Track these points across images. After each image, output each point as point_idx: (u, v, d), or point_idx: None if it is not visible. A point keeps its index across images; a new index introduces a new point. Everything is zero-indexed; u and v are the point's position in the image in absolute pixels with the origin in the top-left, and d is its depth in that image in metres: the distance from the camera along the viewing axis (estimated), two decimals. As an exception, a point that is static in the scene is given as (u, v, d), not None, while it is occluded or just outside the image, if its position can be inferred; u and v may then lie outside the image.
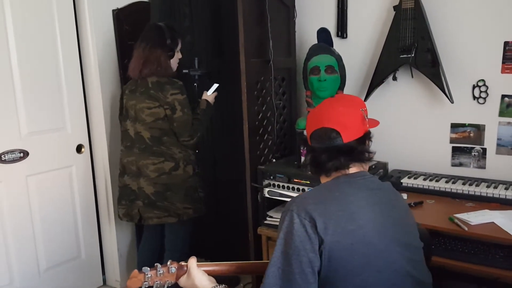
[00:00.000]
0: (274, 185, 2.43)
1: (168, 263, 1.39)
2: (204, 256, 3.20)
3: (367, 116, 1.40)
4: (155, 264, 1.39)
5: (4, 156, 2.48)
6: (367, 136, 1.39)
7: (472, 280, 1.85)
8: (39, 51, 2.59)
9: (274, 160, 2.62)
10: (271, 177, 2.44)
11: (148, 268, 1.36)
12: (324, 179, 1.40)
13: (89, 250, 2.97)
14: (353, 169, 1.37)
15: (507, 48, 2.21)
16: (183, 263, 1.42)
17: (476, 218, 1.90)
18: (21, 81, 2.52)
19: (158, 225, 2.62)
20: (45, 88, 2.64)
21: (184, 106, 2.46)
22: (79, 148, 2.86)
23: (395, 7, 2.36)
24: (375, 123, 1.47)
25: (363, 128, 1.38)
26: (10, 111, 2.49)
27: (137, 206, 2.54)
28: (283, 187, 2.40)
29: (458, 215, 1.94)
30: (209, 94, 2.66)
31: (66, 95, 2.75)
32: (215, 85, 2.68)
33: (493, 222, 1.86)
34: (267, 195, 2.47)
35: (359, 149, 1.35)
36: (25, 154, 2.58)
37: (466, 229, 1.82)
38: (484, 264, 1.73)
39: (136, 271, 1.37)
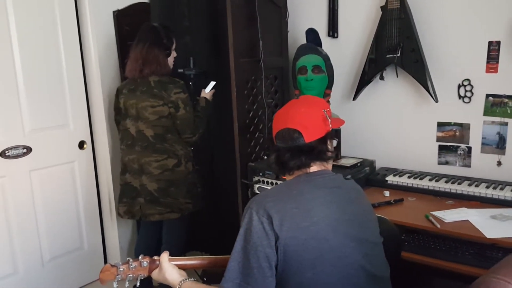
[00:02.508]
0: (263, 182, 2.51)
1: (140, 257, 1.47)
2: (200, 249, 3.31)
3: (329, 116, 1.45)
4: (127, 258, 1.48)
5: (8, 152, 2.61)
6: (329, 136, 1.44)
7: (458, 278, 1.90)
8: (42, 50, 2.72)
9: (265, 157, 2.69)
10: (260, 174, 2.51)
11: (120, 262, 1.44)
12: (287, 178, 1.47)
13: (91, 241, 3.11)
14: (314, 168, 1.43)
15: (491, 47, 2.23)
16: (155, 257, 1.51)
17: (452, 216, 1.93)
18: (24, 79, 2.65)
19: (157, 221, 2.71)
20: (48, 86, 2.77)
21: (186, 104, 2.54)
22: (81, 144, 2.98)
23: (382, 7, 2.40)
24: (339, 122, 1.53)
25: (325, 128, 1.43)
26: (13, 109, 2.62)
27: (139, 203, 2.61)
28: (272, 183, 2.47)
29: (434, 213, 1.98)
30: (207, 91, 2.75)
31: (68, 93, 2.87)
32: (212, 83, 2.76)
33: (467, 220, 1.90)
34: (257, 191, 2.54)
35: (319, 149, 1.41)
36: (28, 150, 2.71)
37: (438, 226, 1.86)
38: (454, 261, 1.77)
39: (108, 264, 1.45)
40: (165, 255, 1.50)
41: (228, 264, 1.32)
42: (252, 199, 1.38)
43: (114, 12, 2.97)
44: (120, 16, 3.00)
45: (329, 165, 1.48)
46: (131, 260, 1.46)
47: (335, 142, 1.51)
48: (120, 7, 3.00)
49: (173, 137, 2.56)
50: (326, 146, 1.43)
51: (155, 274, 1.50)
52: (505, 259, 1.01)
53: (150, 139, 2.55)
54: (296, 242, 1.28)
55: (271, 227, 1.28)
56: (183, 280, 1.44)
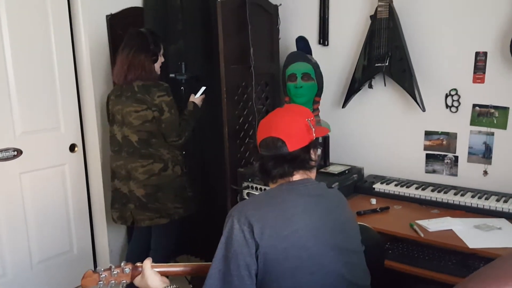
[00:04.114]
0: (252, 187, 2.52)
1: (122, 264, 1.48)
2: (190, 253, 3.32)
3: (313, 125, 1.47)
4: (110, 265, 1.48)
5: (-2, 154, 2.62)
6: (312, 145, 1.46)
7: (441, 286, 1.91)
8: (34, 53, 2.72)
9: (254, 163, 2.69)
10: (250, 180, 2.53)
11: (102, 269, 1.45)
12: (271, 186, 1.48)
13: (81, 245, 3.10)
14: (297, 177, 1.44)
15: (478, 58, 2.25)
16: (138, 263, 1.51)
17: (436, 225, 1.95)
18: (16, 82, 2.65)
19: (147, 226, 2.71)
20: (39, 89, 2.77)
21: (171, 107, 2.53)
22: (72, 147, 2.98)
23: (371, 17, 2.42)
24: (323, 131, 1.54)
25: (309, 137, 1.44)
26: (4, 111, 2.62)
27: (129, 209, 2.62)
28: (261, 189, 2.48)
29: (419, 222, 2.00)
30: (197, 97, 2.75)
31: (60, 96, 2.87)
32: (203, 88, 2.77)
33: (451, 230, 1.92)
34: (246, 197, 2.56)
35: (302, 157, 1.42)
36: (19, 152, 2.71)
37: (422, 235, 1.87)
38: (437, 270, 1.79)
39: (90, 271, 1.45)
40: (147, 262, 1.50)
41: (209, 271, 1.33)
42: (233, 207, 1.39)
43: (107, 16, 2.99)
44: (113, 20, 3.01)
45: (312, 174, 1.49)
46: (113, 266, 1.47)
47: (319, 151, 1.52)
48: (113, 11, 3.01)
49: (158, 142, 2.56)
50: (309, 155, 1.44)
51: (137, 281, 1.50)
52: (482, 268, 1.02)
53: (135, 144, 2.55)
54: (276, 251, 1.29)
55: (252, 236, 1.29)
56: (165, 287, 1.45)
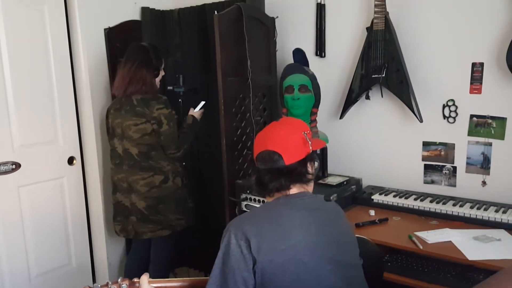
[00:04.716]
0: (250, 199, 2.51)
1: (119, 280, 1.47)
2: (192, 266, 3.31)
3: (310, 138, 1.47)
4: (107, 281, 1.48)
5: (-4, 168, 2.62)
6: (308, 158, 1.46)
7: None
8: (33, 66, 2.73)
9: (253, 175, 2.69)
10: (248, 191, 2.52)
11: (99, 285, 1.44)
12: (268, 199, 1.48)
13: (79, 258, 3.09)
14: (293, 190, 1.44)
15: (474, 69, 2.26)
16: (135, 279, 1.50)
17: (435, 236, 1.94)
18: (14, 95, 2.65)
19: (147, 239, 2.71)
20: (38, 102, 2.78)
21: (170, 120, 2.55)
22: (70, 160, 2.98)
23: (367, 29, 2.43)
24: (319, 144, 1.54)
25: (305, 151, 1.45)
26: (3, 125, 2.63)
27: (131, 222, 2.63)
28: (259, 200, 2.48)
29: (418, 233, 1.99)
30: (196, 111, 2.77)
31: (58, 108, 2.88)
32: (202, 102, 2.79)
33: (450, 241, 1.91)
34: (244, 209, 2.55)
35: (298, 171, 1.42)
36: (17, 166, 2.71)
37: (421, 247, 1.86)
38: (436, 282, 1.78)
39: (87, 286, 1.45)
40: (144, 278, 1.49)
41: (207, 286, 1.33)
42: (230, 221, 1.39)
43: (105, 29, 3.00)
44: (112, 34, 3.03)
45: (309, 187, 1.49)
46: (110, 282, 1.46)
47: (316, 164, 1.52)
48: (112, 24, 3.03)
49: (158, 154, 2.57)
50: (306, 168, 1.45)
51: None
52: (484, 281, 1.01)
53: (135, 157, 2.57)
54: (274, 266, 1.29)
55: (249, 251, 1.29)
56: (162, 302, 1.44)
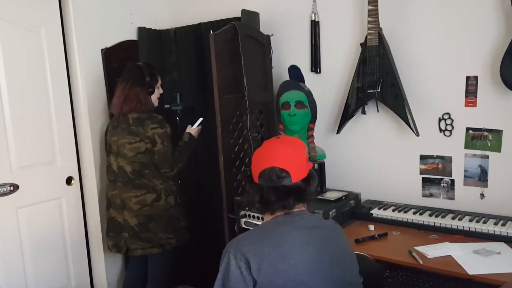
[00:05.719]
0: (249, 216, 2.51)
1: None
2: (193, 284, 3.29)
3: (308, 158, 1.48)
4: None
5: (-6, 190, 2.61)
6: (310, 177, 1.47)
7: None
8: (30, 87, 2.74)
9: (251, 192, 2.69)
10: (247, 208, 2.52)
11: None
12: (267, 217, 1.48)
13: (78, 278, 3.07)
14: (295, 208, 1.44)
15: (469, 82, 2.28)
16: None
17: (435, 251, 1.94)
18: (12, 117, 2.66)
19: (143, 255, 2.71)
20: (36, 123, 2.78)
21: (163, 139, 2.58)
22: (69, 180, 2.98)
23: (361, 44, 2.46)
24: (310, 165, 1.56)
25: (307, 169, 1.46)
26: (1, 146, 2.62)
27: (123, 238, 2.65)
28: (258, 217, 2.47)
29: (418, 248, 1.98)
30: (193, 128, 2.79)
31: (56, 129, 2.88)
32: (200, 119, 2.80)
33: (450, 255, 1.90)
34: (243, 226, 2.54)
35: (303, 188, 1.43)
36: (15, 187, 2.70)
37: (421, 262, 1.86)
38: (437, 297, 1.77)
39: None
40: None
41: (207, 307, 1.32)
42: (229, 242, 1.39)
43: (102, 50, 3.02)
44: (109, 54, 3.05)
45: (306, 206, 1.49)
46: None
47: (315, 182, 1.52)
48: (109, 44, 3.05)
49: (151, 172, 2.60)
50: (309, 186, 1.45)
51: None
52: None
53: (129, 174, 2.60)
54: (274, 286, 1.28)
55: (249, 272, 1.29)
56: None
